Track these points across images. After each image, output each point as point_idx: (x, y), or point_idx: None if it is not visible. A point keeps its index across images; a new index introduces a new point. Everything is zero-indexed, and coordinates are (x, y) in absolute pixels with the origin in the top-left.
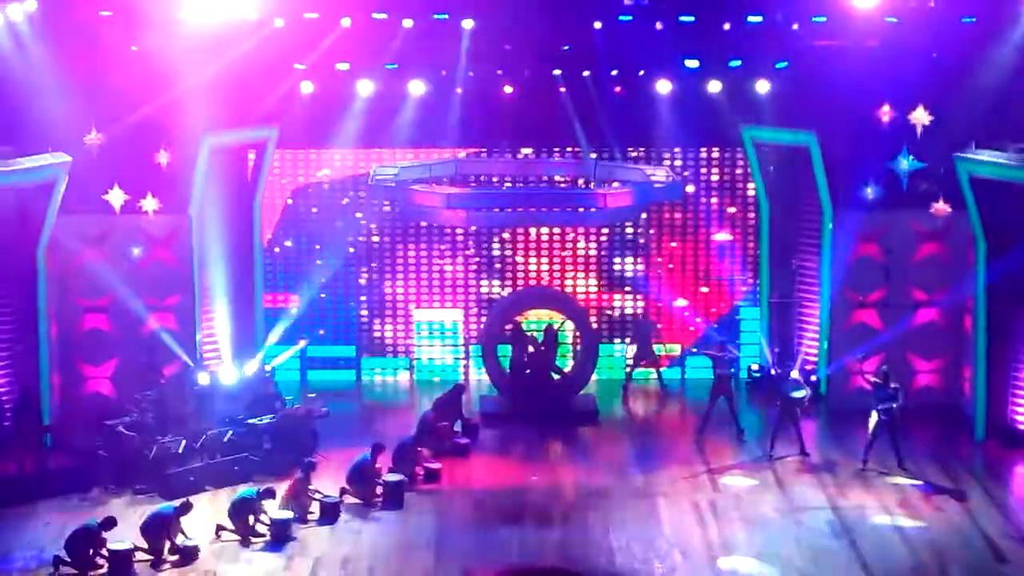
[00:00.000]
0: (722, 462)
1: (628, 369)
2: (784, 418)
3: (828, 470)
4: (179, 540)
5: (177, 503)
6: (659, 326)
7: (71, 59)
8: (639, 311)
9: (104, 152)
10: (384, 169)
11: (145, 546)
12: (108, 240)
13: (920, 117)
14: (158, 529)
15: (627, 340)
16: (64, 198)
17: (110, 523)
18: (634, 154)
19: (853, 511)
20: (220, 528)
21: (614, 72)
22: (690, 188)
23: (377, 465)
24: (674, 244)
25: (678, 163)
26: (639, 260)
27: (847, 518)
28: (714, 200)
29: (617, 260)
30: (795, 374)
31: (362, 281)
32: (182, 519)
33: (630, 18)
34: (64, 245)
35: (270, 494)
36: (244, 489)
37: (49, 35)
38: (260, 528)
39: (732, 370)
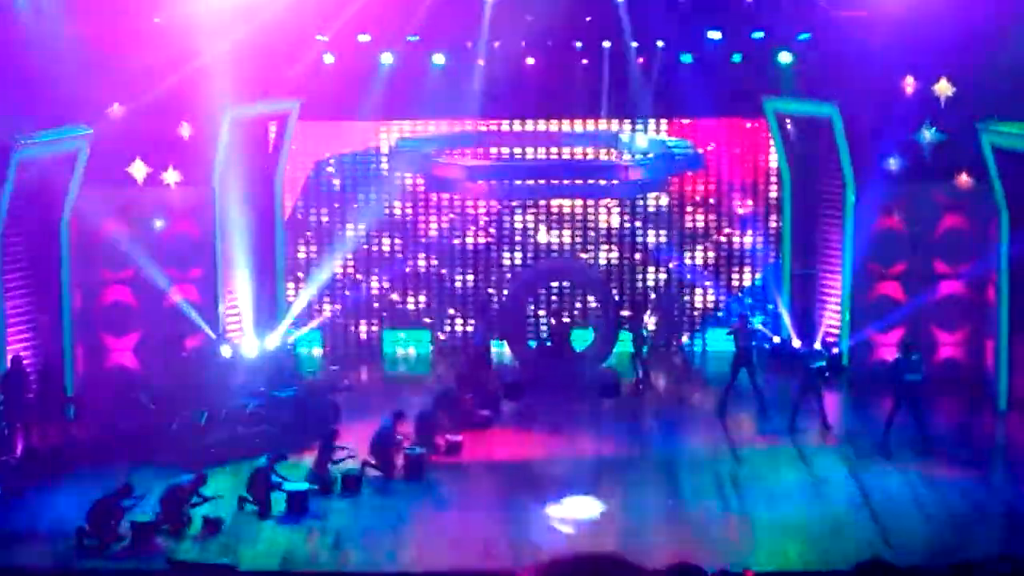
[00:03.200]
0: (743, 434)
1: (650, 340)
2: (806, 390)
3: (850, 442)
4: (200, 511)
5: (192, 475)
6: (683, 297)
7: (94, 32)
8: (661, 283)
9: (126, 125)
10: (406, 142)
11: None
12: (131, 212)
13: (943, 88)
14: (175, 500)
15: (648, 311)
16: (87, 171)
17: (126, 491)
18: (656, 125)
19: (875, 483)
20: (243, 500)
21: (636, 44)
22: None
23: (398, 436)
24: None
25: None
26: (661, 232)
27: (869, 490)
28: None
29: (640, 232)
30: (817, 346)
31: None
32: (200, 490)
33: None
34: (87, 217)
35: (282, 458)
36: (260, 459)
37: (72, 8)
38: (277, 497)
39: (753, 342)
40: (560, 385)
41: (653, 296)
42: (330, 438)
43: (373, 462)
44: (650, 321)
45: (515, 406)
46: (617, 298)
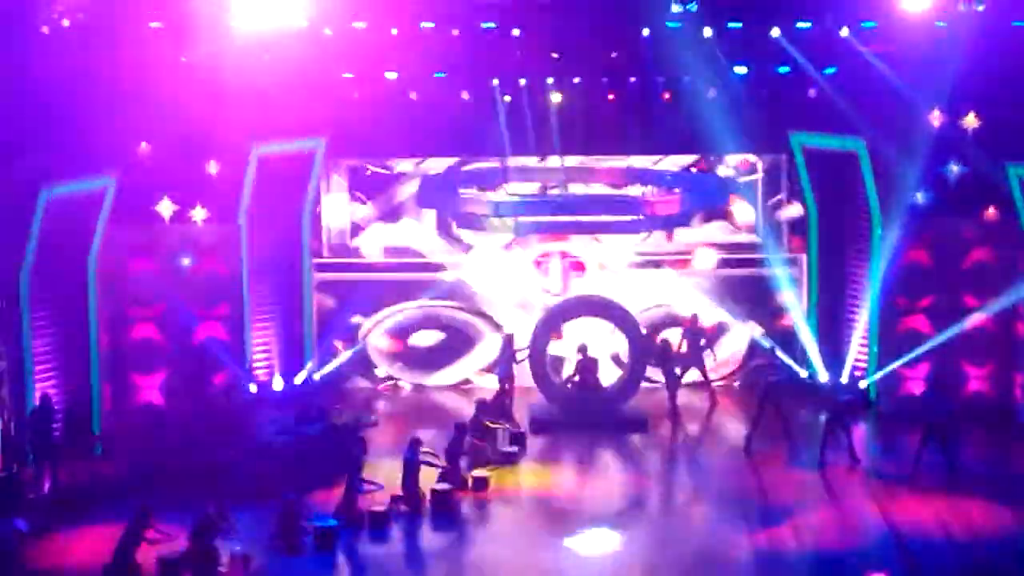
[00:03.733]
0: (771, 469)
1: (679, 376)
2: (833, 424)
3: (878, 477)
4: (228, 547)
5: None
6: (707, 333)
7: (121, 70)
8: (688, 318)
9: (153, 163)
10: (432, 177)
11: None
12: (158, 250)
13: (970, 122)
14: (202, 534)
15: (677, 346)
16: (114, 209)
17: (144, 517)
18: (681, 161)
19: (904, 519)
20: (275, 536)
21: (662, 78)
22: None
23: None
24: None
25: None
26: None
27: (898, 526)
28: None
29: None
30: (844, 379)
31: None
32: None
33: (678, 25)
34: (114, 255)
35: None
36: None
37: (99, 47)
38: (302, 533)
39: (781, 378)
40: (587, 421)
41: (681, 332)
42: (356, 473)
43: (402, 497)
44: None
45: (543, 441)
46: (644, 333)
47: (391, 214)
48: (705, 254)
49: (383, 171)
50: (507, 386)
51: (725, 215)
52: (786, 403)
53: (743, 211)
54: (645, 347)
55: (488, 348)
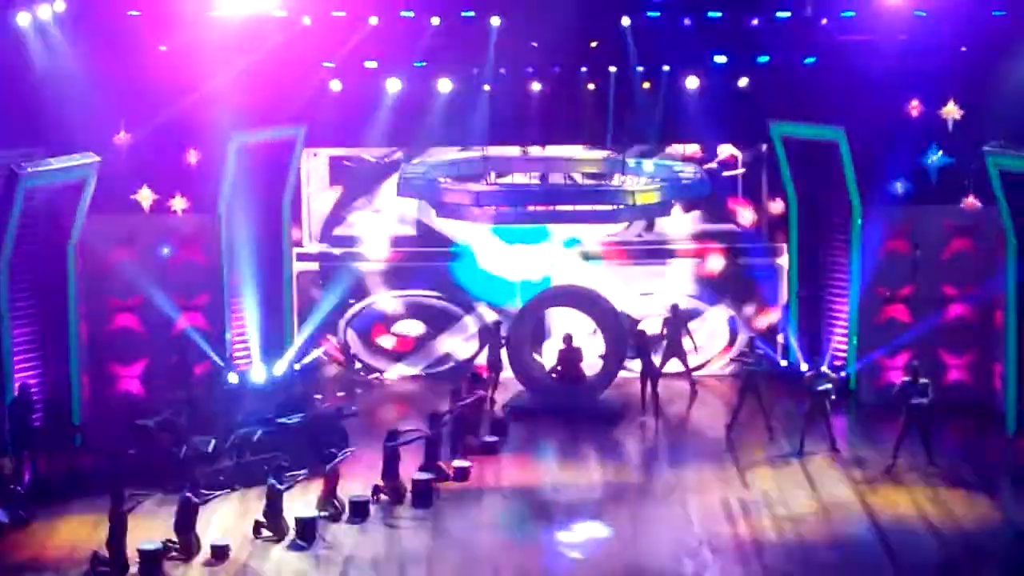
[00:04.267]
0: (752, 459)
1: (658, 365)
2: (814, 413)
3: (858, 466)
4: (208, 538)
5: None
6: (689, 322)
7: (100, 59)
8: (667, 309)
9: (133, 152)
10: (413, 167)
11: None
12: (137, 240)
13: (950, 111)
14: (183, 524)
15: (660, 334)
16: (94, 198)
17: (120, 498)
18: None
19: (883, 507)
20: (259, 524)
21: (641, 68)
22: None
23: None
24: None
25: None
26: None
27: (877, 515)
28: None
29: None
30: (824, 368)
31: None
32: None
33: (658, 14)
34: (94, 245)
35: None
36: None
37: (78, 35)
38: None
39: (761, 367)
40: (568, 411)
41: (662, 321)
42: (334, 468)
43: (383, 488)
44: (659, 347)
45: (523, 431)
46: (624, 323)
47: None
48: (716, 259)
49: (369, 159)
50: (493, 375)
51: (729, 216)
52: (766, 392)
53: (745, 214)
54: (621, 336)
55: (471, 337)
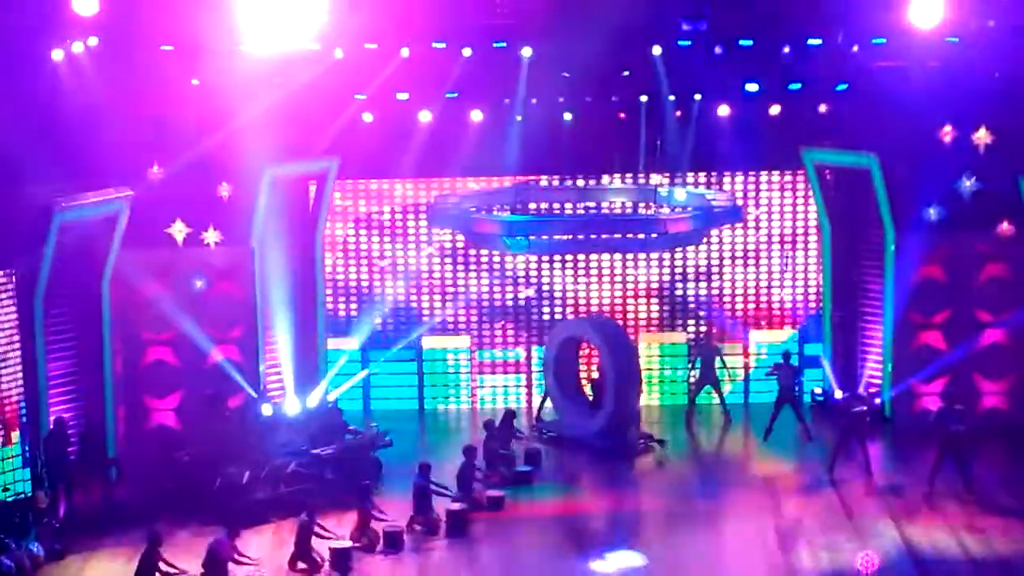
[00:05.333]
0: (786, 486)
1: (690, 394)
2: (848, 435)
3: (894, 493)
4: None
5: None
6: (723, 349)
7: (133, 93)
8: (701, 335)
9: (166, 185)
10: (445, 197)
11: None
12: (171, 273)
13: (982, 137)
14: (216, 561)
15: (689, 365)
16: (127, 232)
17: (157, 541)
18: (695, 178)
19: (920, 535)
20: (294, 558)
21: (673, 97)
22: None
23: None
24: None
25: (738, 187)
26: (701, 284)
27: (914, 542)
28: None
29: (679, 285)
30: (861, 391)
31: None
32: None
33: (689, 43)
34: (128, 278)
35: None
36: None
37: (111, 70)
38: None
39: (796, 380)
40: (599, 441)
41: (694, 349)
42: (369, 496)
43: (419, 520)
44: (692, 374)
45: (556, 460)
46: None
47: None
48: None
49: None
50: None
51: None
52: (867, 435)
53: None
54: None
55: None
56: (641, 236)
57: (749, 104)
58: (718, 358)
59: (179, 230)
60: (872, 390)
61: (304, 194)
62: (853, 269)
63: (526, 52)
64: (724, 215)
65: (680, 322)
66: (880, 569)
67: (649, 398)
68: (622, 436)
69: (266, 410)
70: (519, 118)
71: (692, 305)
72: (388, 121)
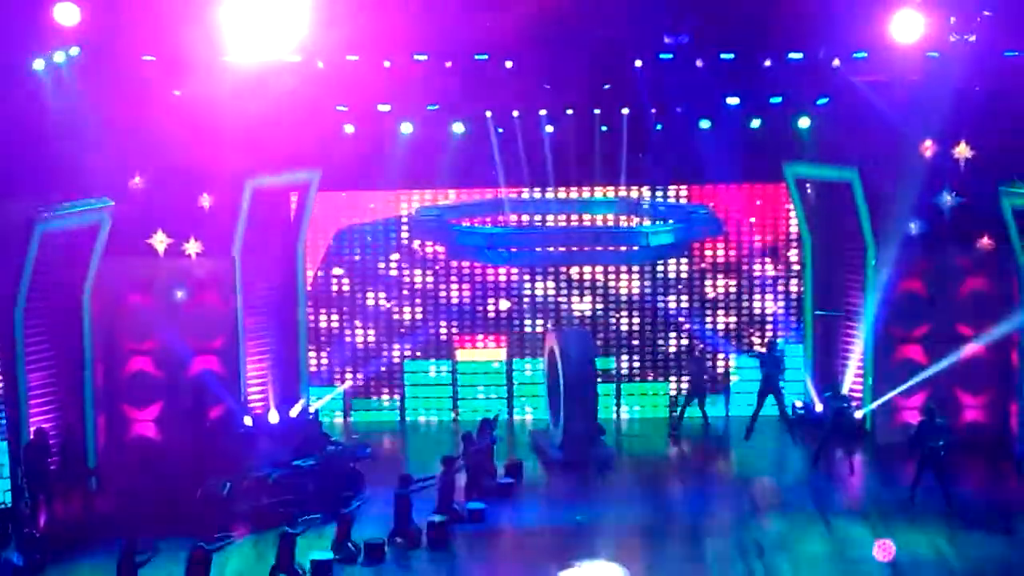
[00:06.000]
0: (769, 501)
1: (681, 407)
2: (830, 437)
3: (875, 506)
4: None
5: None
6: (708, 363)
7: (114, 104)
8: (686, 349)
9: (147, 196)
10: (427, 210)
11: None
12: (152, 283)
13: (963, 151)
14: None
15: (682, 377)
16: (108, 242)
17: (132, 545)
18: (675, 192)
19: (901, 548)
20: (275, 570)
21: (654, 110)
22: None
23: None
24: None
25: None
26: (683, 297)
27: (895, 558)
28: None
29: (661, 298)
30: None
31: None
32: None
33: (670, 56)
34: (109, 288)
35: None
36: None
37: (93, 80)
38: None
39: (780, 368)
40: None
41: (684, 361)
42: (349, 507)
43: (398, 530)
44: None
45: (538, 473)
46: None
47: None
48: None
49: None
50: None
51: None
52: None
53: None
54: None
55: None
56: (623, 248)
57: (730, 117)
58: (705, 370)
59: (160, 240)
60: (854, 403)
61: (285, 205)
62: (834, 282)
63: (508, 64)
64: (705, 228)
65: (662, 336)
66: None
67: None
68: (581, 450)
69: (247, 421)
70: (500, 131)
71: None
72: (370, 133)
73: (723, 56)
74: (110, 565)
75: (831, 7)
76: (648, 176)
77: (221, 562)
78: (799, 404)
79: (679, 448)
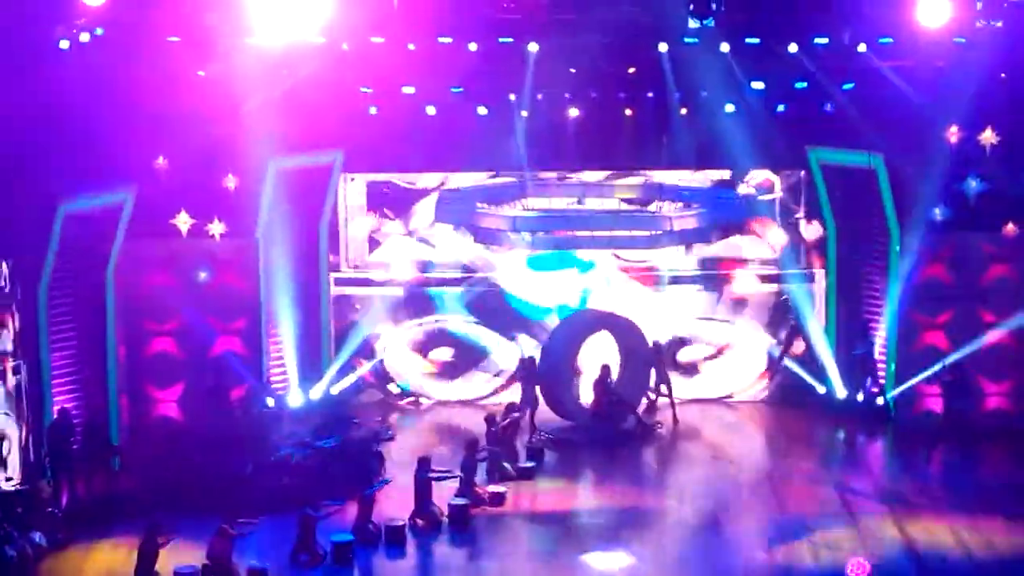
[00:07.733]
0: (788, 485)
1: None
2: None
3: (896, 493)
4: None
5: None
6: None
7: (139, 84)
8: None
9: (171, 177)
10: (450, 192)
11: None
12: (175, 264)
13: (988, 138)
14: (220, 551)
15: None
16: (131, 223)
17: (155, 529)
18: (699, 176)
19: (922, 536)
20: (296, 550)
21: (678, 94)
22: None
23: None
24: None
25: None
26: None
27: (916, 543)
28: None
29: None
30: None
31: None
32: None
33: (695, 40)
34: (132, 269)
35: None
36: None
37: (118, 61)
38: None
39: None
40: (603, 436)
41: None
42: (370, 495)
43: (419, 515)
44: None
45: (560, 456)
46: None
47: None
48: (745, 278)
49: (407, 185)
50: (528, 408)
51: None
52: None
53: (776, 236)
54: (648, 362)
55: (505, 364)
56: (647, 233)
57: (755, 102)
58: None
59: (184, 221)
60: (875, 389)
61: (309, 186)
62: (858, 269)
63: (532, 47)
64: (731, 212)
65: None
66: (875, 571)
67: None
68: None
69: (269, 402)
70: (524, 113)
71: None
72: (394, 115)
73: (748, 40)
74: (132, 545)
75: None
76: (672, 160)
77: (242, 541)
78: (822, 390)
79: (702, 433)
